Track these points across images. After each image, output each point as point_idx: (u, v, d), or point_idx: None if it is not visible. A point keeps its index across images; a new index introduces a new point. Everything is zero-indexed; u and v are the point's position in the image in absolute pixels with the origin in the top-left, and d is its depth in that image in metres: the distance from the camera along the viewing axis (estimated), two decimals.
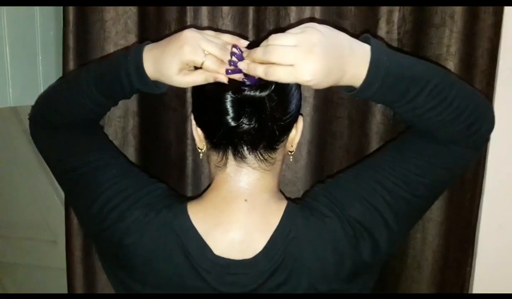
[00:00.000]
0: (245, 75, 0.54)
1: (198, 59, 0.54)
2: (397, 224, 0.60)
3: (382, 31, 0.82)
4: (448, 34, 0.79)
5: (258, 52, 0.52)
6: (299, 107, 0.62)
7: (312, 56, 0.49)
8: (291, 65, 0.49)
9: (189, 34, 0.55)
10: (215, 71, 0.55)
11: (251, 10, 0.82)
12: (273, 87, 0.55)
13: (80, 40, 0.85)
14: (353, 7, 0.81)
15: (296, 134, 0.63)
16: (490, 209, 0.88)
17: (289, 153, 0.65)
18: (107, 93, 0.63)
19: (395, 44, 0.82)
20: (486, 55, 0.80)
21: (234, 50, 0.55)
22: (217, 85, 0.56)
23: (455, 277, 0.88)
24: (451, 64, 0.79)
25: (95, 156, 0.65)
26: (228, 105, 0.55)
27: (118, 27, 0.86)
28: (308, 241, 0.58)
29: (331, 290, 0.59)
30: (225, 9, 0.82)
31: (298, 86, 0.61)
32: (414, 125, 0.61)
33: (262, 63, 0.52)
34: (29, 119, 0.72)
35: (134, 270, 0.60)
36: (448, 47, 0.79)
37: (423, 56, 0.81)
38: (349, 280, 0.59)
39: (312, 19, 0.81)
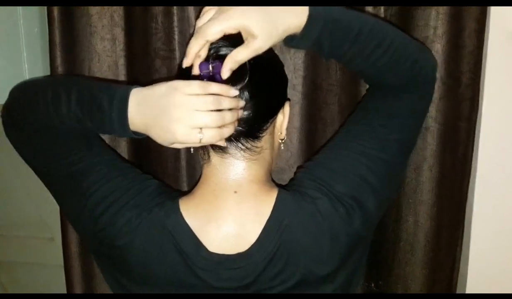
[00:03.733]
0: (212, 68, 0.55)
1: (194, 140, 0.51)
2: (381, 185, 0.61)
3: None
4: (435, 15, 0.78)
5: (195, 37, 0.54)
6: (283, 92, 0.62)
7: (246, 12, 0.52)
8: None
9: (178, 108, 0.50)
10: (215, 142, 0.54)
11: None
12: (244, 82, 0.55)
13: (66, 35, 0.84)
14: None
15: (283, 120, 0.62)
16: (483, 191, 0.89)
17: (280, 141, 0.64)
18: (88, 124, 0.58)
19: None
20: (474, 36, 0.80)
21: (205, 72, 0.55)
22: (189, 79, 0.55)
23: (446, 258, 0.89)
24: (439, 46, 0.79)
25: (78, 155, 0.61)
26: None
27: (104, 21, 0.85)
28: (302, 227, 0.58)
29: (328, 273, 0.59)
30: None
31: (282, 70, 0.61)
32: (364, 73, 0.65)
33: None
34: (1, 116, 0.64)
35: (129, 271, 0.59)
36: (435, 28, 0.79)
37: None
38: (345, 257, 0.60)
39: None
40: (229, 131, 0.54)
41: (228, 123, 0.52)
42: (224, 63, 0.54)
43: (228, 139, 0.57)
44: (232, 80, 0.55)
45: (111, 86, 0.57)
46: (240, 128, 0.57)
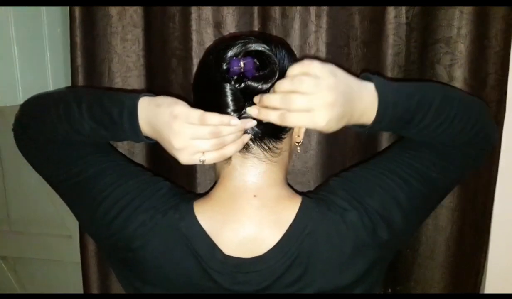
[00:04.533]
0: (242, 64, 0.53)
1: (197, 163, 0.54)
2: (412, 215, 0.60)
3: (390, 15, 0.80)
4: (459, 15, 0.77)
5: (273, 100, 0.51)
6: None
7: (329, 105, 0.49)
8: (308, 111, 0.50)
9: (178, 137, 0.52)
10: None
11: None
12: (275, 78, 0.54)
13: (87, 35, 0.86)
14: None
15: None
16: (503, 195, 0.87)
17: (297, 144, 0.63)
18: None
19: (403, 28, 0.81)
20: (500, 36, 0.77)
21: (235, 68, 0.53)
22: (215, 77, 0.55)
23: (469, 263, 0.87)
24: (462, 47, 0.77)
25: (88, 162, 0.61)
26: (229, 98, 0.54)
27: (124, 21, 0.86)
28: (325, 236, 0.57)
29: (346, 284, 0.58)
30: None
31: None
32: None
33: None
34: (12, 129, 0.66)
35: (144, 274, 0.59)
36: (459, 29, 0.77)
37: (433, 39, 0.79)
38: (366, 271, 0.58)
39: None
40: (233, 149, 0.54)
41: (230, 143, 0.54)
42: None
43: (253, 140, 0.57)
44: (263, 78, 0.54)
45: (120, 96, 0.59)
46: (265, 127, 0.56)
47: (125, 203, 0.58)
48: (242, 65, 0.53)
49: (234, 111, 0.54)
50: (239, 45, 0.55)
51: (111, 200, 0.58)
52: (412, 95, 0.57)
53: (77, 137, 0.61)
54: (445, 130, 0.58)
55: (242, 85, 0.54)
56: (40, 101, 0.66)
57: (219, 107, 0.54)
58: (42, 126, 0.62)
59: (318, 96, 0.49)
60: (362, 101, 0.54)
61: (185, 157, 0.53)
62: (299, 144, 0.63)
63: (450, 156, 0.62)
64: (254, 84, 0.54)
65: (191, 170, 0.88)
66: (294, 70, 0.51)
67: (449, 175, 0.63)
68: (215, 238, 0.57)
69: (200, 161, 0.53)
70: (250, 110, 0.53)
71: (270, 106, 0.51)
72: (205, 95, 0.58)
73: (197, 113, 0.52)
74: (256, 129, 0.56)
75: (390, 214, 0.58)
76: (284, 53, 0.59)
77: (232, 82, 0.54)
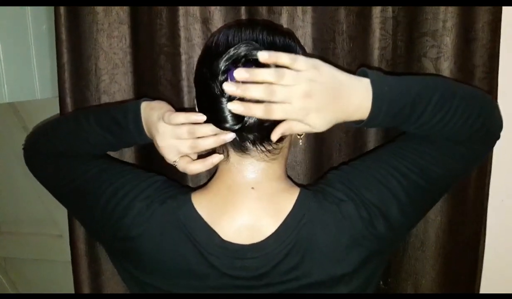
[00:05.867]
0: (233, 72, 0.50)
1: (171, 162, 0.60)
2: (410, 208, 0.60)
3: (376, 9, 0.80)
4: (444, 8, 0.77)
5: (255, 91, 0.50)
6: None
7: (305, 96, 0.50)
8: (288, 103, 0.50)
9: (162, 137, 0.58)
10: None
11: None
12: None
13: (72, 32, 0.85)
14: None
15: None
16: (497, 186, 0.87)
17: (298, 137, 0.61)
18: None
19: (390, 21, 0.81)
20: (487, 28, 0.78)
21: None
22: (212, 89, 0.53)
23: (463, 254, 0.87)
24: (448, 40, 0.78)
25: (88, 166, 0.66)
26: (226, 113, 0.53)
27: (110, 18, 0.85)
28: (322, 225, 0.57)
29: (343, 274, 0.58)
30: None
31: None
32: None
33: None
34: (23, 149, 0.73)
35: (142, 262, 0.60)
36: (444, 22, 0.77)
37: (420, 32, 0.80)
38: (363, 262, 0.59)
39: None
40: (205, 165, 0.59)
41: (201, 149, 0.58)
42: (276, 129, 0.54)
43: (252, 143, 0.56)
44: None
45: (123, 104, 0.65)
46: (266, 132, 0.55)
47: (124, 193, 0.61)
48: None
49: (234, 124, 0.54)
50: (240, 50, 0.52)
51: (110, 192, 0.61)
52: (409, 90, 0.55)
53: (85, 146, 0.67)
54: (446, 125, 0.57)
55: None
56: (51, 122, 0.73)
57: (219, 122, 0.55)
58: (52, 139, 0.69)
59: (296, 88, 0.50)
60: (355, 96, 0.53)
61: (169, 156, 0.59)
62: (301, 136, 0.61)
63: (453, 151, 0.60)
64: None
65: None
66: (282, 58, 0.51)
67: (452, 170, 0.62)
68: (213, 225, 0.58)
69: (174, 162, 0.59)
70: (232, 106, 0.51)
71: (253, 98, 0.51)
72: (204, 108, 0.57)
73: (168, 113, 0.57)
74: (256, 134, 0.55)
75: (388, 208, 0.58)
76: (293, 44, 0.58)
77: (229, 95, 0.52)
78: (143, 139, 0.63)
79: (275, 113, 0.51)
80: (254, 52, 0.51)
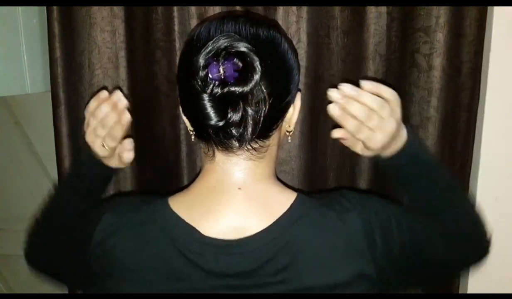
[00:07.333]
0: (222, 70, 0.48)
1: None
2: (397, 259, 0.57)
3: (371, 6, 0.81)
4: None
5: (358, 111, 0.56)
6: (297, 84, 0.57)
7: (389, 133, 0.57)
8: (374, 131, 0.57)
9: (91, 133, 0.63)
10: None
11: None
12: (254, 81, 0.49)
13: (65, 27, 0.84)
14: None
15: (293, 113, 0.58)
16: (486, 182, 0.89)
17: (287, 133, 0.60)
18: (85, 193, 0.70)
19: (384, 17, 0.82)
20: (474, 25, 0.79)
21: None
22: (192, 85, 0.50)
23: None
24: (440, 36, 0.79)
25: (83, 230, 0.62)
26: (208, 110, 0.50)
27: (103, 12, 0.84)
28: (317, 229, 0.54)
29: (335, 283, 0.54)
30: None
31: (295, 62, 0.56)
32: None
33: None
34: (23, 251, 0.75)
35: (122, 272, 0.56)
36: (437, 18, 0.78)
37: (413, 28, 0.80)
38: (358, 278, 0.54)
39: None
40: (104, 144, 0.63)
41: (109, 121, 0.61)
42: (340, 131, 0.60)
43: (238, 141, 0.53)
44: (244, 80, 0.49)
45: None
46: (251, 130, 0.52)
47: (103, 226, 0.58)
48: (222, 71, 0.48)
49: (218, 121, 0.50)
50: (219, 42, 0.49)
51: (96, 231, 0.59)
52: (436, 162, 0.65)
53: (66, 214, 0.69)
54: (445, 210, 0.62)
55: (225, 90, 0.49)
56: (38, 215, 0.75)
57: (202, 119, 0.51)
58: (40, 228, 0.72)
59: (387, 122, 0.57)
60: (400, 138, 0.60)
61: (96, 146, 0.63)
62: (290, 133, 0.60)
63: (443, 239, 0.61)
64: (236, 88, 0.49)
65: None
66: (386, 93, 0.57)
67: (437, 251, 0.61)
68: (193, 224, 0.54)
69: (104, 146, 0.63)
70: (333, 109, 0.56)
71: (351, 114, 0.56)
72: (186, 104, 0.55)
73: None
74: (241, 130, 0.52)
75: (389, 239, 0.56)
76: (278, 35, 0.55)
77: (210, 90, 0.49)
78: (99, 162, 0.66)
79: (361, 134, 0.57)
80: (235, 44, 0.49)
